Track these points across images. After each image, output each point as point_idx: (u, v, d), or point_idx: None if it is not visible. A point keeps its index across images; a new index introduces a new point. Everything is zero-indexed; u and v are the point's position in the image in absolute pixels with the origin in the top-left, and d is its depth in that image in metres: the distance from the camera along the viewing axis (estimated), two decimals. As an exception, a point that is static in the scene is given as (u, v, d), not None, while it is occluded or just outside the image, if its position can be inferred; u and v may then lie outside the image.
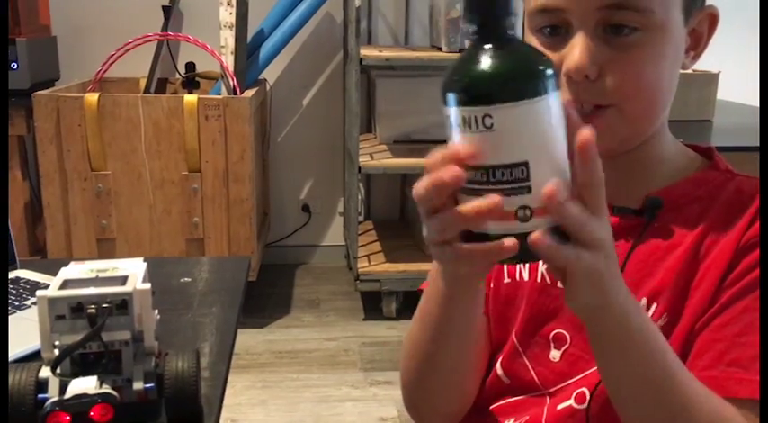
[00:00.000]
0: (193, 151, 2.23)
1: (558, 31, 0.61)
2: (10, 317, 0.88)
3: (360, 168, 2.46)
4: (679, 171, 0.68)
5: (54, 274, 0.98)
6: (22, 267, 1.02)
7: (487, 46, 0.48)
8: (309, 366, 2.24)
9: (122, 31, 2.43)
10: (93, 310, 0.63)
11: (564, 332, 0.70)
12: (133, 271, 0.68)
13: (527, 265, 0.72)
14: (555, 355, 0.70)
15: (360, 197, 2.97)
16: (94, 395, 0.61)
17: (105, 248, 2.28)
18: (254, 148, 2.31)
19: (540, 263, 0.71)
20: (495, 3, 0.48)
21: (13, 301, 0.91)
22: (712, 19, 0.66)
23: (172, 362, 0.67)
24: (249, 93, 2.33)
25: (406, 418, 0.82)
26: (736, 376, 0.58)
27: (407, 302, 2.50)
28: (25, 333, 0.81)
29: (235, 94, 2.30)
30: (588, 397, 0.67)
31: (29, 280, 0.98)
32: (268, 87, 2.80)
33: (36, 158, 2.23)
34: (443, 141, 0.51)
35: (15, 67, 2.33)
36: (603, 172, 0.69)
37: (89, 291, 0.64)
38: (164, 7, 2.64)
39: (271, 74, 2.76)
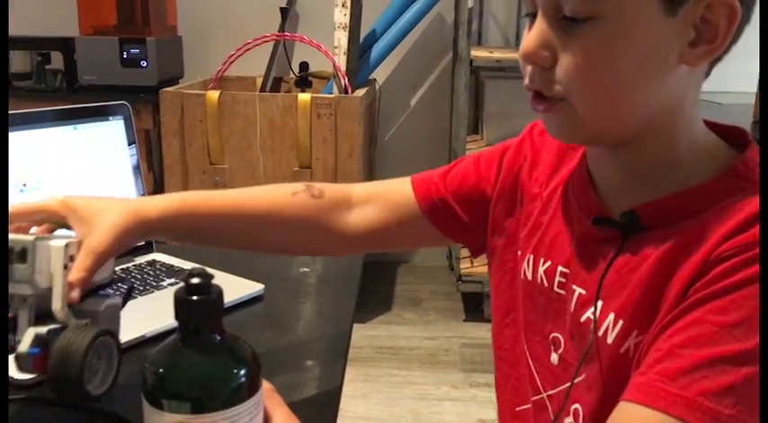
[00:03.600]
0: (305, 148, 2.30)
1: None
2: (149, 296, 0.95)
3: (466, 169, 2.46)
4: (696, 175, 0.61)
5: (184, 257, 1.05)
6: (157, 251, 1.09)
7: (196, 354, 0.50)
8: (410, 364, 2.26)
9: (242, 32, 2.54)
10: None
11: (559, 336, 0.69)
12: None
13: (530, 263, 0.72)
14: (554, 358, 0.69)
15: (463, 198, 2.96)
16: None
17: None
18: (362, 146, 2.36)
19: (540, 263, 0.71)
20: (204, 307, 0.49)
21: (151, 281, 0.98)
22: (729, 6, 0.55)
23: None
24: (360, 92, 2.38)
25: None
26: (658, 385, 0.53)
27: (509, 305, 2.47)
28: (161, 312, 0.86)
29: (346, 93, 2.35)
30: (581, 416, 0.65)
31: (164, 263, 1.05)
32: (377, 87, 2.84)
33: (161, 151, 2.36)
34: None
35: (145, 65, 2.49)
36: (604, 169, 0.66)
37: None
38: (281, 9, 2.73)
39: (380, 74, 2.81)
